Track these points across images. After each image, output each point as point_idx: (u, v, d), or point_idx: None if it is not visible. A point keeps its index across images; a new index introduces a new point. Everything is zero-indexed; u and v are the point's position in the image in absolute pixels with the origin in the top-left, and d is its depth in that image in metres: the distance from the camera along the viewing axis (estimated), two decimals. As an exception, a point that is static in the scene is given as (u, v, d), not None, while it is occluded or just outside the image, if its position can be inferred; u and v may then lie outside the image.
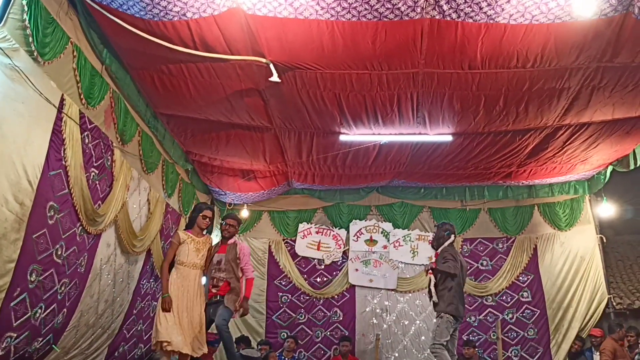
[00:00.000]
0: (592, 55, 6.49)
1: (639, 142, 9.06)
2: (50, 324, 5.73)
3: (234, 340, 9.71)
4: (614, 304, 10.60)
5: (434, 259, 7.07)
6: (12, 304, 4.95)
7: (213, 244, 6.65)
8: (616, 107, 7.68)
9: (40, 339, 5.61)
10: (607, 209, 10.98)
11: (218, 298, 6.53)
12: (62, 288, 5.83)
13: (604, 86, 7.17)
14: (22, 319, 5.15)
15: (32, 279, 5.20)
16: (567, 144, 8.92)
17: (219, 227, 7.01)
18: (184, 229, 6.61)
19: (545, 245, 11.56)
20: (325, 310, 11.50)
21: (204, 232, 6.51)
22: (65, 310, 6.01)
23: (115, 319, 7.48)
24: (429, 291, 6.93)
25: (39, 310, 5.43)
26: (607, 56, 6.51)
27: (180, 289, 6.03)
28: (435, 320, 6.81)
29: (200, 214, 6.38)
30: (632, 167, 9.51)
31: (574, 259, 11.23)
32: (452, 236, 7.07)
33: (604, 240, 11.33)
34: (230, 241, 6.81)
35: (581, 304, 10.89)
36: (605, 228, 11.58)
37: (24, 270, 5.05)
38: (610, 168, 10.43)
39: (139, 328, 8.25)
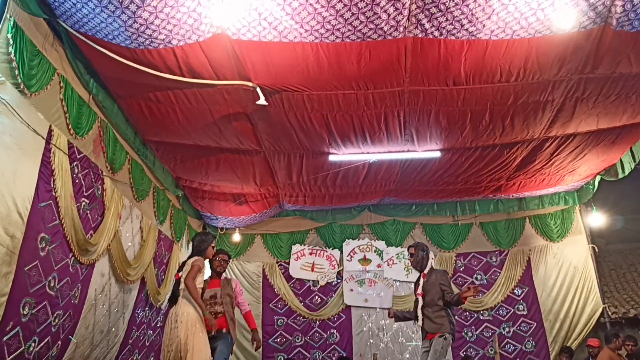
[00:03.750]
0: (574, 68, 6.58)
1: (625, 151, 9.14)
2: (45, 357, 5.66)
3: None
4: (609, 313, 10.59)
5: (421, 282, 6.87)
6: (4, 339, 4.89)
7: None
8: (600, 117, 7.77)
9: (35, 373, 5.55)
10: (598, 219, 11.06)
11: (213, 333, 6.14)
12: (56, 320, 5.77)
13: (587, 97, 7.26)
14: (15, 354, 5.08)
15: (25, 312, 5.15)
16: (554, 155, 9.00)
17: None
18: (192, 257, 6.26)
19: (538, 257, 11.60)
20: (321, 332, 11.43)
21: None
22: (59, 342, 5.95)
23: (111, 349, 7.41)
24: (415, 315, 6.73)
25: (33, 344, 5.37)
26: (588, 68, 6.60)
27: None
28: (437, 340, 6.29)
29: (212, 246, 6.23)
30: (620, 176, 9.58)
31: (567, 269, 11.28)
32: (430, 254, 6.91)
33: (596, 250, 11.39)
34: (222, 276, 6.91)
35: (577, 315, 10.91)
36: (596, 238, 11.65)
37: (17, 303, 5.00)
38: (598, 178, 10.52)
39: (134, 358, 8.17)
